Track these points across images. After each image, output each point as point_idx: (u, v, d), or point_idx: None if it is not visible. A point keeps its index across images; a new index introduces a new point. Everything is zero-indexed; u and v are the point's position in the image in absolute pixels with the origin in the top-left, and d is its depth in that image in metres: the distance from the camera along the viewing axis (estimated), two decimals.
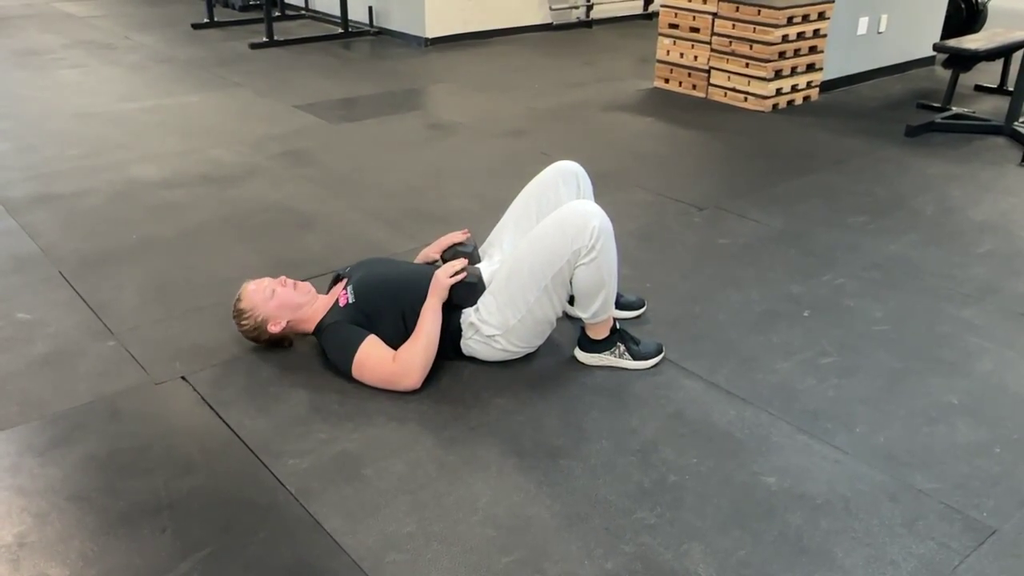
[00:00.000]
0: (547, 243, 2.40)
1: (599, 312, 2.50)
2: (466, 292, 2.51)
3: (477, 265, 2.63)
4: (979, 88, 5.70)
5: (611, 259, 2.43)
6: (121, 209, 3.71)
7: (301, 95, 5.52)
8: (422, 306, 2.46)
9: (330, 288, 2.68)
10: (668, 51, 5.60)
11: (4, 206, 3.70)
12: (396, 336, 2.46)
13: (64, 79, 5.89)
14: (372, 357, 2.42)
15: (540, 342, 2.57)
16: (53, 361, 2.59)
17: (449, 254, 2.67)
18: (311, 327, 2.55)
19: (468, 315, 2.51)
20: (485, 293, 2.50)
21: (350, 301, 2.50)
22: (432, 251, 2.78)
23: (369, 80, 5.95)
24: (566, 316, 2.82)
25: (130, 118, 5.02)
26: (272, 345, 2.61)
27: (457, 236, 2.74)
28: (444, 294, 2.47)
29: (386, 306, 2.49)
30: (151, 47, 6.90)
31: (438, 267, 2.56)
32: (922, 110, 5.20)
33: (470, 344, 2.52)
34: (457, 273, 2.47)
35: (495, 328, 2.48)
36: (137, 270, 3.16)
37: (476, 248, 2.70)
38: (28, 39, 7.15)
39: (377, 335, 2.45)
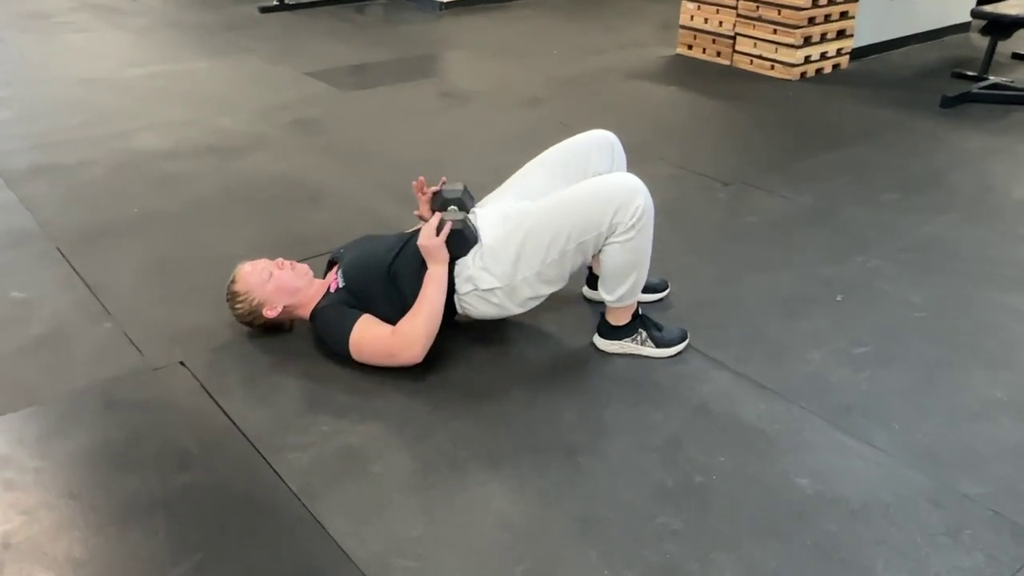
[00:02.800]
0: (584, 209, 2.24)
1: (626, 296, 2.35)
2: (456, 243, 2.30)
3: (474, 210, 2.45)
4: (1017, 56, 5.45)
5: (648, 242, 2.29)
6: (123, 181, 3.58)
7: (311, 61, 5.35)
8: (415, 275, 2.31)
9: (326, 273, 2.54)
10: (692, 16, 5.38)
11: (3, 178, 3.58)
12: (394, 312, 2.32)
13: (70, 43, 5.74)
14: (369, 333, 2.29)
15: (534, 305, 2.38)
16: (47, 344, 2.47)
17: (437, 203, 2.46)
18: (307, 312, 2.42)
19: (467, 267, 2.32)
20: (493, 241, 2.32)
21: (340, 285, 2.38)
22: (424, 211, 2.56)
23: (381, 46, 5.77)
24: (585, 300, 2.69)
25: (136, 85, 4.87)
26: (267, 330, 2.49)
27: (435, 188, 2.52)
28: (442, 255, 2.29)
29: (378, 284, 2.34)
30: (159, 11, 6.73)
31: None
32: (957, 79, 4.97)
33: (464, 301, 2.35)
34: (441, 228, 2.27)
35: (497, 280, 2.29)
36: (137, 246, 3.03)
37: (466, 191, 2.47)
38: (34, 1, 6.99)
39: (375, 315, 2.32)
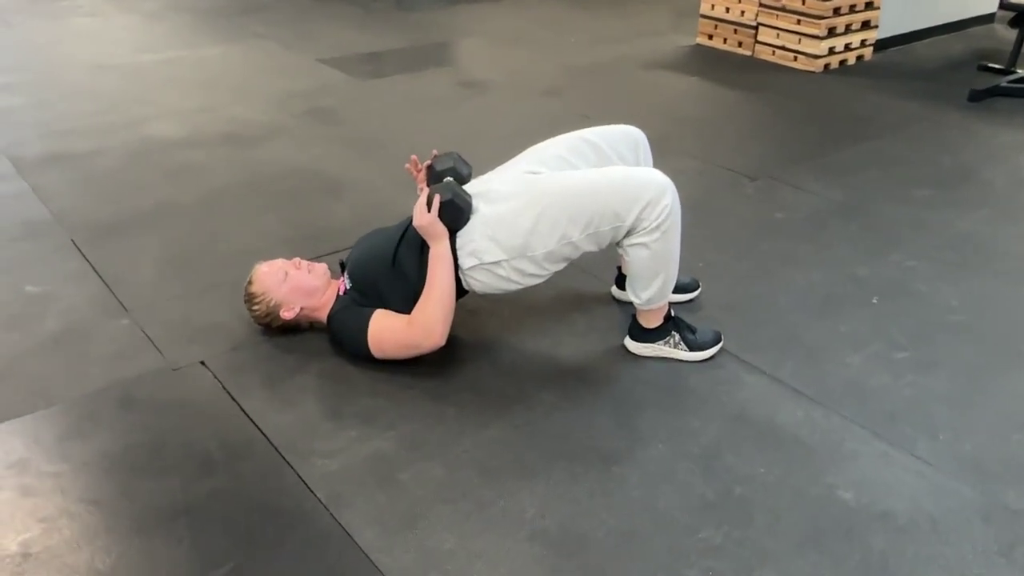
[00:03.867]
0: (610, 199, 2.14)
1: (654, 299, 2.28)
2: (450, 213, 2.19)
3: (484, 178, 2.34)
4: None
5: (675, 244, 2.21)
6: (137, 171, 3.51)
7: (325, 48, 5.27)
8: (418, 260, 2.25)
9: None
10: (713, 5, 5.28)
11: (15, 166, 3.51)
12: (407, 303, 2.25)
13: (79, 28, 5.66)
14: (385, 328, 2.23)
15: (538, 282, 2.27)
16: (64, 341, 2.41)
17: (432, 178, 2.36)
18: (324, 315, 2.35)
19: (471, 239, 2.21)
20: (506, 211, 2.20)
21: (348, 287, 2.32)
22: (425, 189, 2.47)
23: (396, 32, 5.68)
24: (615, 301, 2.62)
25: (148, 71, 4.79)
26: (285, 332, 2.42)
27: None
28: (437, 230, 2.19)
29: (384, 278, 2.27)
30: None
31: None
32: (984, 72, 4.88)
33: (470, 277, 2.24)
34: (431, 203, 2.18)
35: (504, 252, 2.18)
36: (153, 239, 2.96)
37: (458, 158, 2.36)
38: None
39: (389, 310, 2.26)
